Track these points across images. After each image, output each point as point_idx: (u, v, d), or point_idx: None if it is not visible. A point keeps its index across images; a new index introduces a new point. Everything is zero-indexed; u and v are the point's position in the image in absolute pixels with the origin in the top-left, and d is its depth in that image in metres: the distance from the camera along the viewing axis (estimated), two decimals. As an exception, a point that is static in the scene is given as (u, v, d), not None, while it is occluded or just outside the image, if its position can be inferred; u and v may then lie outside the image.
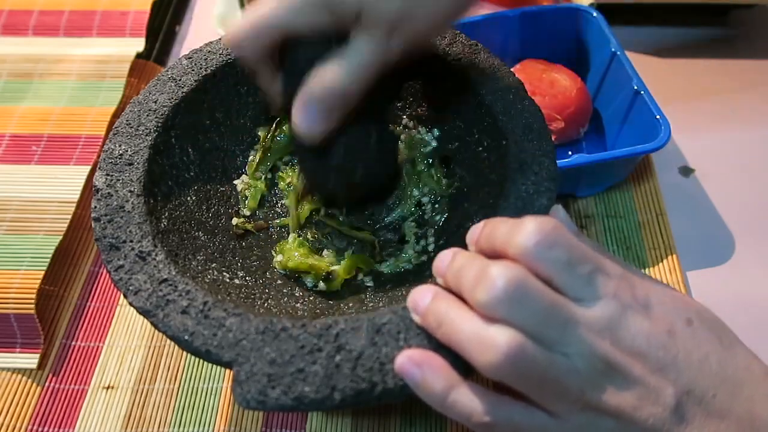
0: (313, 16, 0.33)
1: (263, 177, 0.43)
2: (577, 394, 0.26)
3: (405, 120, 0.44)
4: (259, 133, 0.43)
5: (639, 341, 0.27)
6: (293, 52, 0.35)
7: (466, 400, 0.27)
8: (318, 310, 0.37)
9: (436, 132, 0.43)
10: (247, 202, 0.42)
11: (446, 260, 0.30)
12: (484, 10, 0.58)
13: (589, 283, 0.27)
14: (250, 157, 0.43)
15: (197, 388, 0.42)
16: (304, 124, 0.34)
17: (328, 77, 0.33)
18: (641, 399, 0.26)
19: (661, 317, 0.28)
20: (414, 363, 0.28)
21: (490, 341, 0.26)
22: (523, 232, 0.27)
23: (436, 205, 0.41)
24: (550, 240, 0.27)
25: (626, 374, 0.26)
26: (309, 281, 0.39)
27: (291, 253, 0.39)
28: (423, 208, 0.42)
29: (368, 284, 0.39)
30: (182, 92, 0.40)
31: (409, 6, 0.32)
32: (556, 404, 0.27)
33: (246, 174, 0.42)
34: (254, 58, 0.35)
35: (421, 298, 0.29)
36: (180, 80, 0.40)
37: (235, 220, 0.40)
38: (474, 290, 0.27)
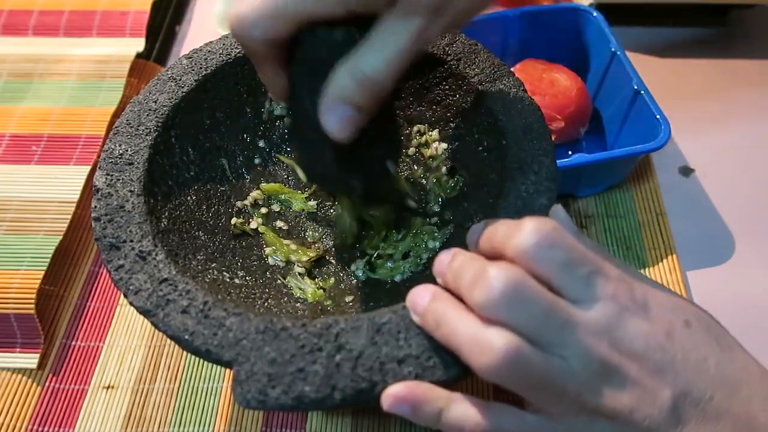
0: None
1: None
2: (573, 396, 0.26)
3: (418, 127, 0.44)
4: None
5: (637, 343, 0.27)
6: (312, 41, 0.31)
7: (456, 416, 0.28)
8: (318, 310, 0.37)
9: (444, 145, 0.43)
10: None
11: (446, 260, 0.30)
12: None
13: (587, 284, 0.27)
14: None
15: (197, 388, 0.42)
16: (336, 126, 0.30)
17: (363, 69, 0.28)
18: (638, 401, 0.26)
19: (660, 319, 0.28)
20: (401, 400, 0.28)
21: (487, 344, 0.26)
22: (521, 232, 0.27)
23: (444, 213, 0.41)
24: (548, 240, 0.27)
25: (623, 376, 0.26)
26: (308, 290, 0.39)
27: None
28: (430, 220, 0.41)
29: (360, 278, 0.39)
30: (182, 92, 0.40)
31: None
32: (552, 406, 0.27)
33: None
34: (264, 47, 0.30)
35: (420, 297, 0.29)
36: (180, 80, 0.40)
37: (234, 220, 0.40)
38: (472, 291, 0.27)
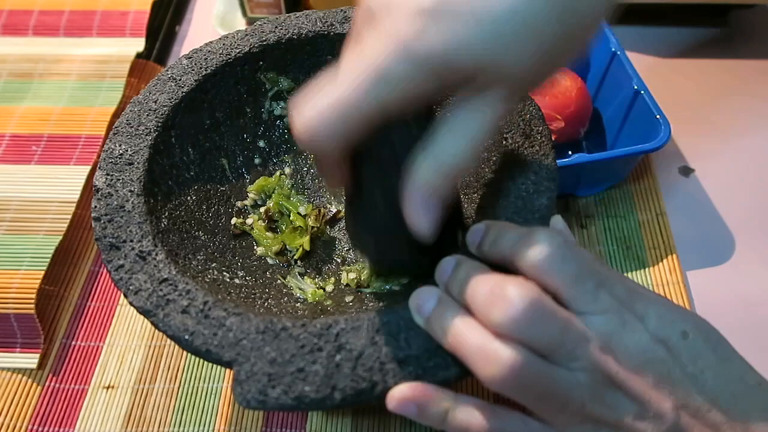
0: (418, 86, 0.25)
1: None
2: (577, 406, 0.26)
3: None
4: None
5: (638, 356, 0.27)
6: (385, 135, 0.28)
7: (462, 417, 0.28)
8: (318, 310, 0.37)
9: None
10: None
11: (449, 268, 0.30)
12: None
13: (594, 297, 0.27)
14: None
15: (197, 388, 0.42)
16: (425, 223, 0.28)
17: (445, 159, 0.27)
18: (640, 413, 0.27)
19: (659, 331, 0.28)
20: (407, 401, 0.28)
21: (495, 355, 0.26)
22: (534, 245, 0.28)
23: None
24: (560, 254, 0.27)
25: (626, 388, 0.27)
26: (308, 292, 0.39)
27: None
28: None
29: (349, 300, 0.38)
30: (182, 92, 0.40)
31: (542, 60, 0.25)
32: (555, 416, 0.27)
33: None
34: (337, 152, 0.27)
35: (425, 301, 0.29)
36: (180, 80, 0.40)
37: (234, 220, 0.40)
38: (489, 309, 0.27)
